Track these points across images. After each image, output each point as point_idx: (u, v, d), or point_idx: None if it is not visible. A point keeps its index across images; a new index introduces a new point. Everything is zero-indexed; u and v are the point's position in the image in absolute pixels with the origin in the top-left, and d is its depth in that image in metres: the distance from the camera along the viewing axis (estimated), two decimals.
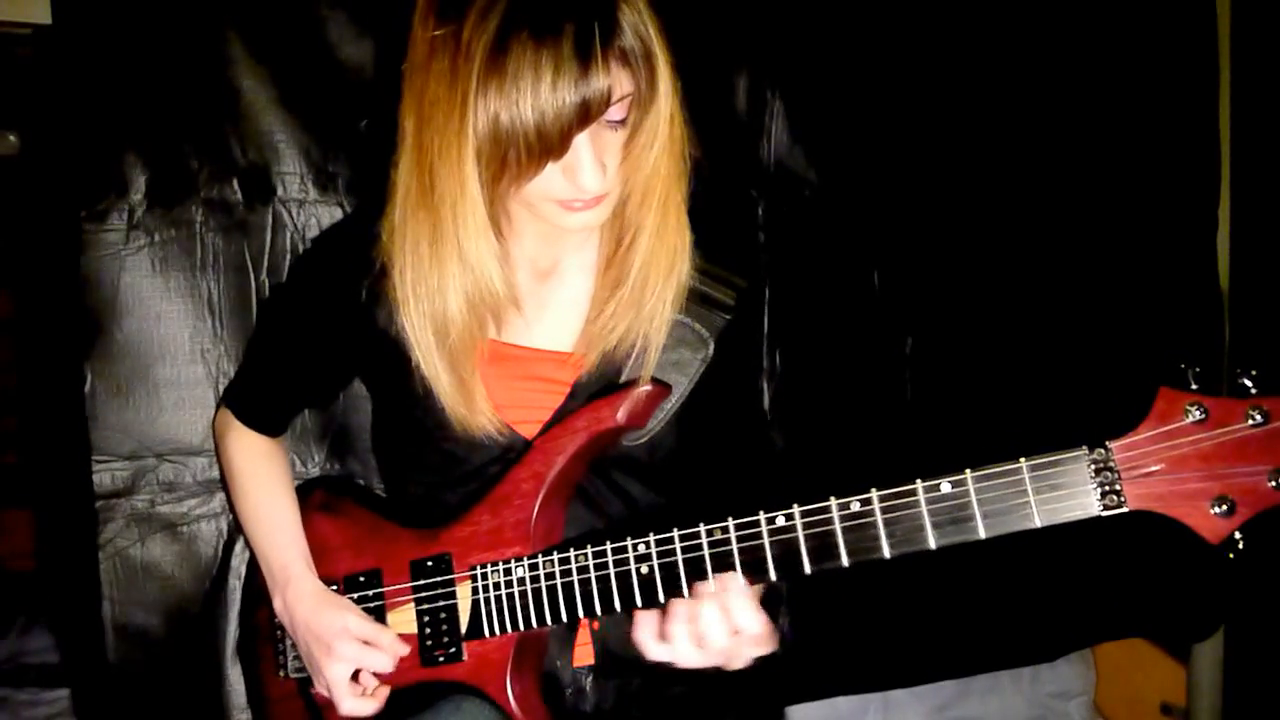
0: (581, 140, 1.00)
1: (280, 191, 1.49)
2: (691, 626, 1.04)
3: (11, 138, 2.15)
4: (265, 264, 1.49)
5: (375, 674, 1.21)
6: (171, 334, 1.46)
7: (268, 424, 1.36)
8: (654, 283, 1.13)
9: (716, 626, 1.03)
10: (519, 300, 1.17)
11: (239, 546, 1.49)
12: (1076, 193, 1.82)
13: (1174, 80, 1.84)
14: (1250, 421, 0.90)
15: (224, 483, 1.41)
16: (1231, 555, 0.91)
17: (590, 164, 1.01)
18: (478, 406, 1.16)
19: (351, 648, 1.19)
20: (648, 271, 1.12)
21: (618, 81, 0.98)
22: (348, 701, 1.19)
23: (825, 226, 1.71)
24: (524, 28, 0.94)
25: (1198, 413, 0.91)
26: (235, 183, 1.48)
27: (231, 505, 1.40)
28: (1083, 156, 1.82)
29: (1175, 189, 1.87)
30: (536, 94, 0.94)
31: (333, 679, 1.19)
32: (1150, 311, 1.86)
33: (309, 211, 1.50)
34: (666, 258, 1.12)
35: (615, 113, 1.01)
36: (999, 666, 1.91)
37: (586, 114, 0.96)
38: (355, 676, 1.21)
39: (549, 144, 0.97)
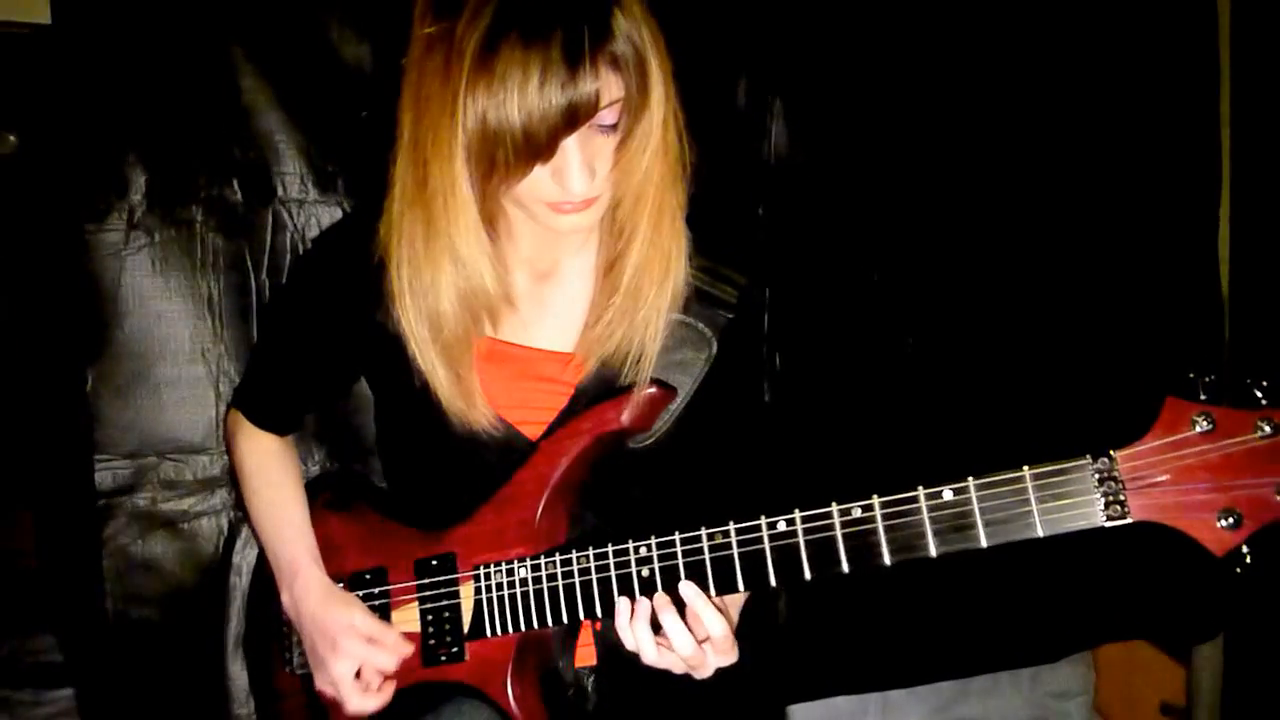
0: (570, 143, 0.99)
1: (280, 191, 1.49)
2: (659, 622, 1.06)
3: (11, 138, 2.15)
4: (265, 264, 1.50)
5: (379, 671, 1.21)
6: (172, 334, 1.47)
7: (276, 424, 1.36)
8: (647, 290, 1.12)
9: (678, 627, 1.05)
10: (513, 299, 1.17)
11: (239, 543, 1.50)
12: (1077, 192, 1.81)
13: (1174, 81, 1.84)
14: (1259, 433, 0.87)
15: (235, 482, 1.42)
16: (1239, 569, 0.89)
17: (578, 168, 1.01)
18: (475, 402, 1.16)
19: (357, 645, 1.19)
20: (640, 279, 1.12)
21: (607, 86, 0.97)
22: (354, 699, 1.19)
23: (825, 226, 1.71)
24: (514, 28, 0.93)
25: (1205, 423, 0.89)
26: (235, 183, 1.48)
27: (242, 504, 1.40)
28: (1083, 156, 1.81)
29: (1176, 188, 1.87)
30: (523, 95, 0.93)
31: (338, 675, 1.20)
32: (1150, 311, 1.85)
33: (309, 211, 1.51)
34: (660, 264, 1.11)
35: (606, 117, 1.00)
36: (999, 667, 1.91)
37: (574, 117, 0.96)
38: (359, 674, 1.21)
39: (536, 146, 0.96)
